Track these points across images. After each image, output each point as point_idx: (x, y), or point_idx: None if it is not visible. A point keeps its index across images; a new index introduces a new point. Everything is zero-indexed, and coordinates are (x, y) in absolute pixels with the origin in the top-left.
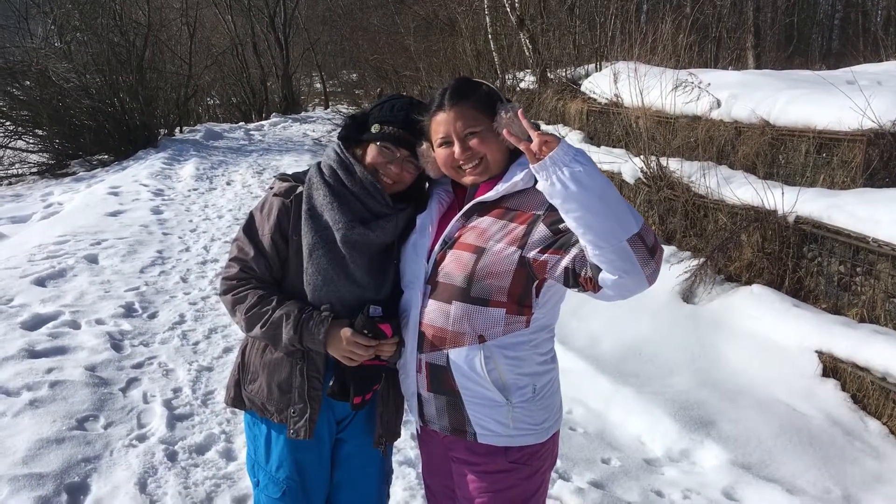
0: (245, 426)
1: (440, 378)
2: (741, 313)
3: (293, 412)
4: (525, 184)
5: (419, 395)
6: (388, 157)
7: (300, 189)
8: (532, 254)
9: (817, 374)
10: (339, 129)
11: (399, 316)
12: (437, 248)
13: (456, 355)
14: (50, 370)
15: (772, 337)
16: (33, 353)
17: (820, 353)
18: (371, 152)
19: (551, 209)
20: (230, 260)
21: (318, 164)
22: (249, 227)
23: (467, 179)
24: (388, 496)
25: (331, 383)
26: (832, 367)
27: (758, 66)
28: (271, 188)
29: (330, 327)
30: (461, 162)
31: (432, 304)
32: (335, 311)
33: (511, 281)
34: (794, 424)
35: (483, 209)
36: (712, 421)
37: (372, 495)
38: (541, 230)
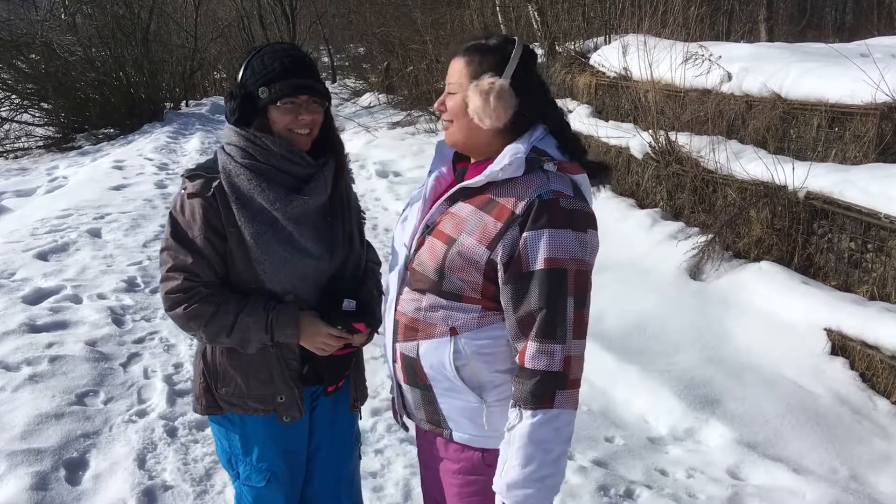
0: (212, 424)
1: (413, 370)
2: (749, 290)
3: (281, 399)
4: (506, 174)
5: (399, 386)
6: (295, 111)
7: (217, 181)
8: (499, 259)
9: (826, 352)
10: (230, 114)
11: (372, 303)
12: (419, 232)
13: (426, 348)
14: (50, 345)
15: (780, 314)
16: (34, 328)
17: (829, 331)
18: (277, 116)
19: (528, 214)
20: (168, 272)
21: (223, 150)
22: (177, 235)
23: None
24: (360, 456)
25: (304, 371)
26: (841, 345)
27: (770, 40)
28: (184, 188)
29: (299, 319)
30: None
31: (407, 293)
32: (297, 292)
33: (482, 280)
34: (801, 403)
35: (468, 194)
36: (718, 399)
37: (347, 454)
38: (512, 238)
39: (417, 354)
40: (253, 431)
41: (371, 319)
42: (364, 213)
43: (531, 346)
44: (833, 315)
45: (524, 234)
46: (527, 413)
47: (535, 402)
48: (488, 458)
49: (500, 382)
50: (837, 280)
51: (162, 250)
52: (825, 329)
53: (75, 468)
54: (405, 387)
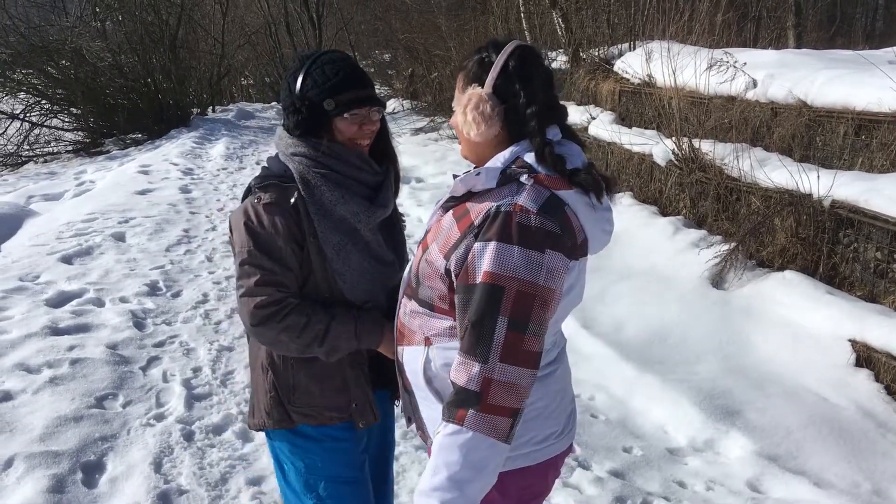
0: (280, 445)
1: (403, 375)
2: (772, 300)
3: (355, 406)
4: (466, 185)
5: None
6: (360, 121)
7: (295, 191)
8: (452, 269)
9: (850, 364)
10: (293, 126)
11: None
12: (421, 237)
13: (407, 354)
14: (72, 348)
15: (804, 324)
16: (56, 331)
17: (853, 342)
18: (343, 127)
19: (482, 225)
20: (256, 286)
21: (295, 160)
22: (261, 247)
23: None
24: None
25: (374, 375)
26: (866, 357)
27: (798, 47)
28: (258, 199)
29: (383, 325)
30: None
31: (403, 298)
32: (374, 299)
33: (447, 290)
34: (824, 415)
35: (455, 202)
36: (739, 410)
37: (392, 452)
38: (466, 248)
39: (402, 359)
40: (334, 442)
41: None
42: (404, 216)
43: (457, 359)
44: (858, 326)
45: (474, 245)
46: (443, 423)
47: (449, 414)
48: None
49: None
50: (863, 290)
51: (242, 263)
52: (850, 340)
53: (92, 471)
54: (401, 389)
